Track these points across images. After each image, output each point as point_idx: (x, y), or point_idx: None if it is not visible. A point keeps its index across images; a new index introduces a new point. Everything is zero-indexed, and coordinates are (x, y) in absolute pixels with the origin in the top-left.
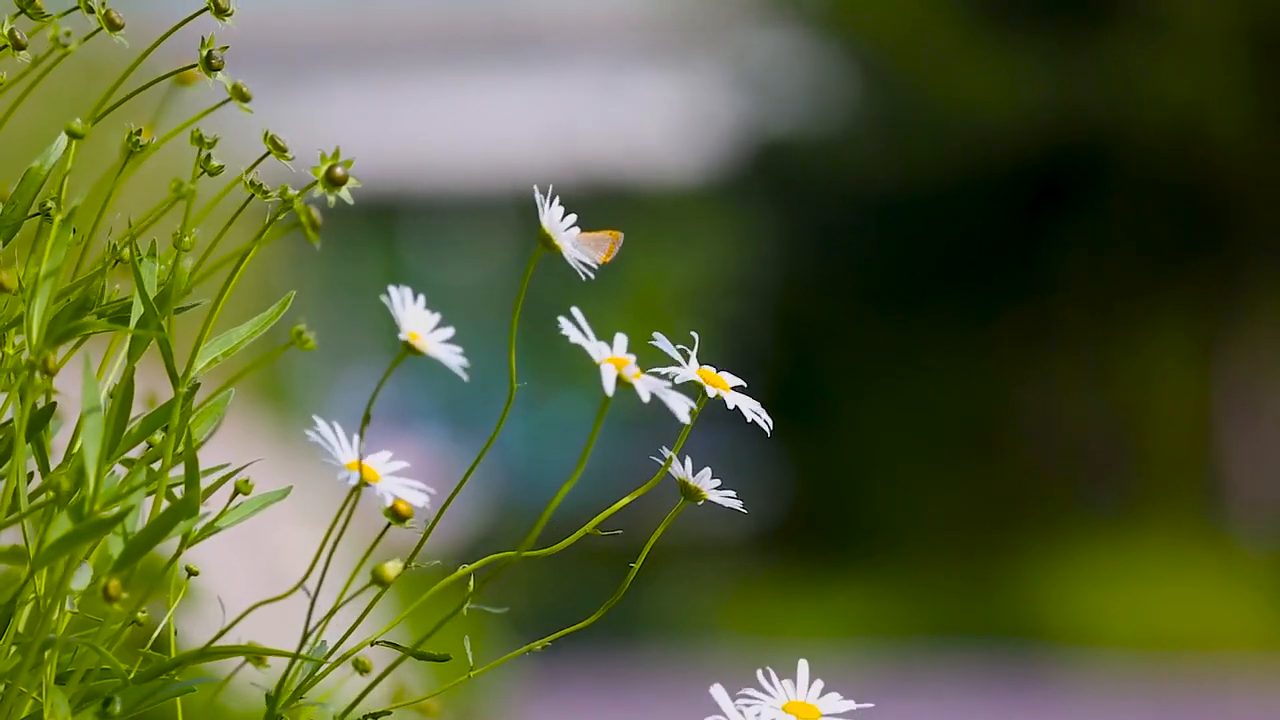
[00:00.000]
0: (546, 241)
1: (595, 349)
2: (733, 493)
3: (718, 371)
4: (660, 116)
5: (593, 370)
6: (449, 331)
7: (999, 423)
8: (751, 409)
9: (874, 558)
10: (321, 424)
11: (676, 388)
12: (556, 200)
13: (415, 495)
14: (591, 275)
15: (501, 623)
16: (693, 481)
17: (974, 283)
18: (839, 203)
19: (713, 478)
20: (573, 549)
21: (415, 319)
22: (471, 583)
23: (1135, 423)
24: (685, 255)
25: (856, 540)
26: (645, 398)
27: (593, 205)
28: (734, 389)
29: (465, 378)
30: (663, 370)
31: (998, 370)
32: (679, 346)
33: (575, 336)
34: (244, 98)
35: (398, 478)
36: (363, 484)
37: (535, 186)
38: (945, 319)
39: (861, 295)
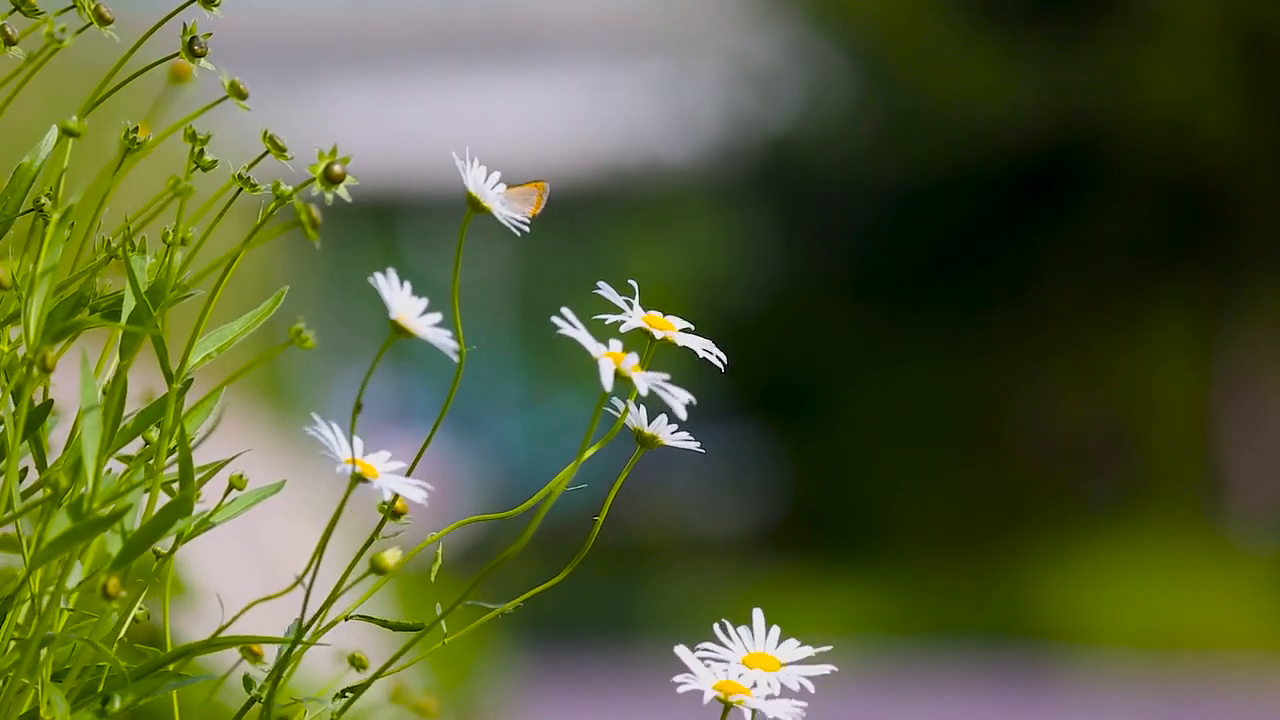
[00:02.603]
0: (475, 204)
1: (593, 344)
2: (688, 435)
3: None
4: (658, 114)
5: (592, 371)
6: (437, 316)
7: (998, 420)
8: (703, 347)
9: (873, 555)
10: (320, 422)
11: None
12: (476, 162)
13: (414, 491)
14: (526, 229)
15: (496, 618)
16: (648, 430)
17: (972, 280)
18: (836, 200)
19: (712, 476)
20: (568, 546)
21: (404, 302)
22: (440, 549)
23: (1134, 420)
24: (683, 252)
25: (855, 537)
26: (643, 391)
27: (592, 203)
28: (682, 331)
29: (455, 358)
30: (609, 318)
31: (996, 368)
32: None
33: (571, 332)
34: (241, 95)
35: (396, 475)
36: (360, 478)
37: (453, 152)
38: (943, 316)
39: (859, 292)
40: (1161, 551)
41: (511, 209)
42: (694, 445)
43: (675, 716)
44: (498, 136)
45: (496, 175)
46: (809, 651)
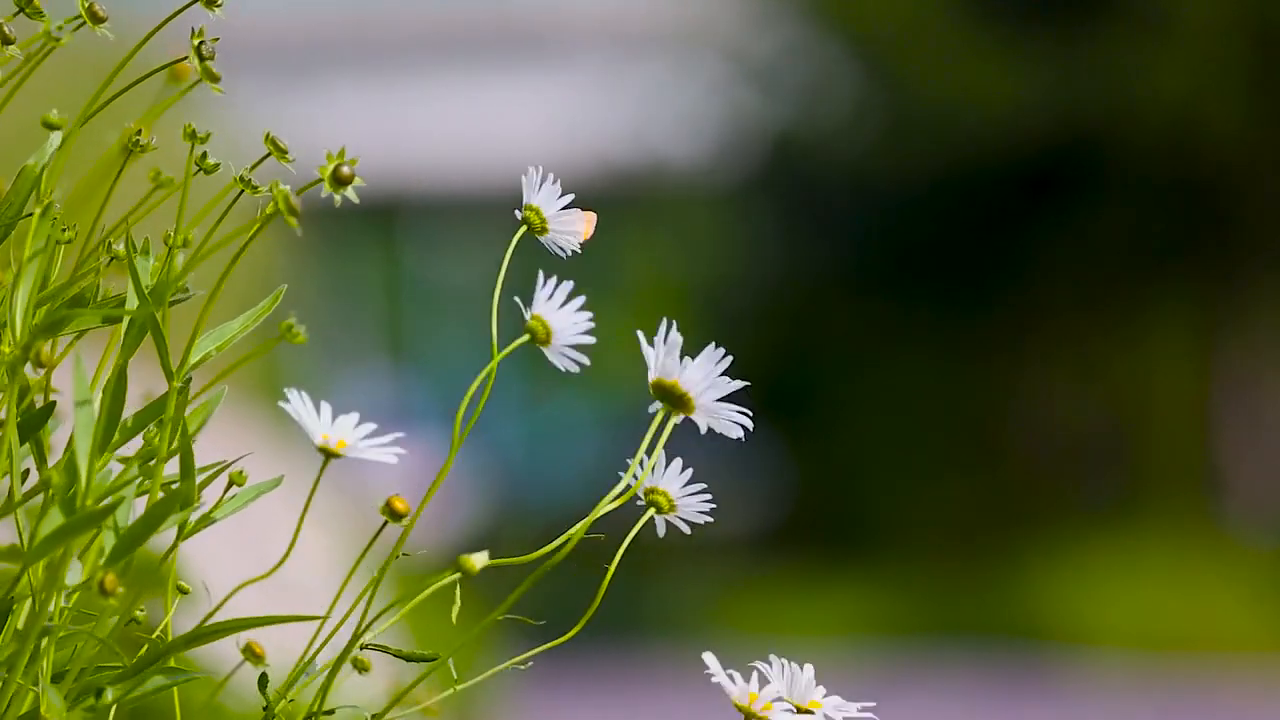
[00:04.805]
0: (534, 222)
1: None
2: (705, 498)
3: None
4: (661, 113)
5: (593, 371)
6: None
7: (999, 420)
8: (735, 416)
9: (874, 556)
10: (294, 395)
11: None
12: (550, 180)
13: (386, 455)
14: (575, 251)
15: (501, 625)
16: (661, 485)
17: (973, 280)
18: (838, 198)
19: (713, 477)
20: (572, 554)
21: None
22: (459, 594)
23: (1134, 420)
24: (686, 251)
25: (856, 538)
26: (704, 428)
27: (592, 203)
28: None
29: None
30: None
31: (997, 368)
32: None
33: (650, 355)
34: (213, 78)
35: (368, 440)
36: (332, 453)
37: (530, 168)
38: (945, 316)
39: (860, 291)
40: (1161, 551)
41: (563, 230)
42: (706, 517)
43: (677, 716)
44: (498, 136)
45: (570, 197)
46: (854, 709)
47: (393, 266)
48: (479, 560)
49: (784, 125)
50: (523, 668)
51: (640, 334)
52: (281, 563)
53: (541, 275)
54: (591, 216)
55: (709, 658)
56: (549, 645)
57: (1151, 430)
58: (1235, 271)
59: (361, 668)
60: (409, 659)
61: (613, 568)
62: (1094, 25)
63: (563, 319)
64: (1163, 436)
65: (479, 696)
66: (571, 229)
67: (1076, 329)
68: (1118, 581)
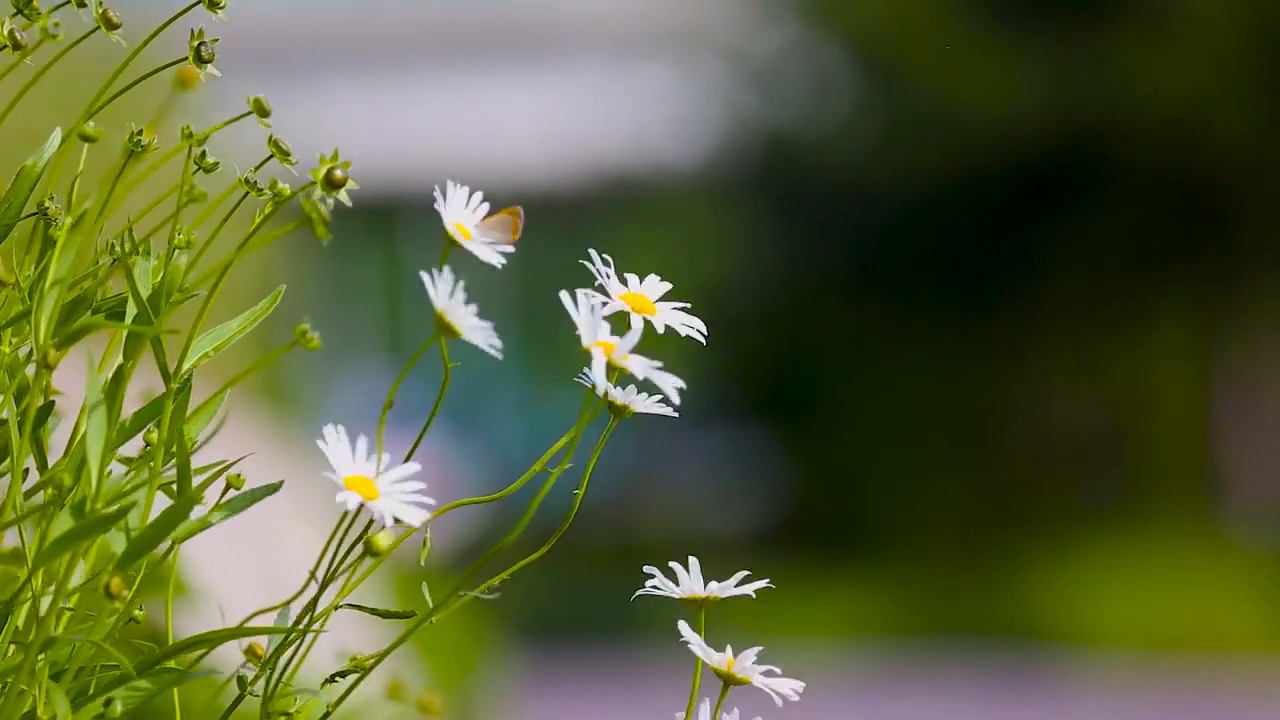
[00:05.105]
0: (451, 241)
1: (587, 330)
2: (660, 398)
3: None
4: (660, 114)
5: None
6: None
7: (999, 420)
8: (684, 323)
9: (874, 556)
10: (331, 431)
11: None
12: (455, 191)
13: (413, 512)
14: (503, 260)
15: (496, 618)
16: (619, 399)
17: (974, 279)
18: (839, 199)
19: (714, 477)
20: (566, 544)
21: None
22: (428, 533)
23: (1134, 420)
24: (686, 252)
25: (856, 538)
26: (640, 375)
27: (592, 204)
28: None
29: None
30: (590, 295)
31: (998, 368)
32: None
33: (574, 312)
34: (264, 112)
35: (399, 486)
36: (358, 498)
37: (435, 186)
38: (945, 316)
39: (861, 292)
40: (1162, 551)
41: (491, 238)
42: (668, 410)
43: (675, 716)
44: (498, 137)
45: (479, 197)
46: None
47: (393, 266)
48: (385, 540)
49: (784, 126)
50: (496, 594)
51: (564, 296)
52: (300, 592)
53: (425, 275)
54: (512, 219)
55: (684, 626)
56: (533, 557)
57: (1151, 430)
58: (1235, 271)
59: (359, 666)
60: (384, 616)
61: (584, 484)
62: (1095, 25)
63: (462, 315)
64: (1163, 436)
65: (479, 697)
66: (494, 239)
67: (1076, 329)
68: (1118, 581)
